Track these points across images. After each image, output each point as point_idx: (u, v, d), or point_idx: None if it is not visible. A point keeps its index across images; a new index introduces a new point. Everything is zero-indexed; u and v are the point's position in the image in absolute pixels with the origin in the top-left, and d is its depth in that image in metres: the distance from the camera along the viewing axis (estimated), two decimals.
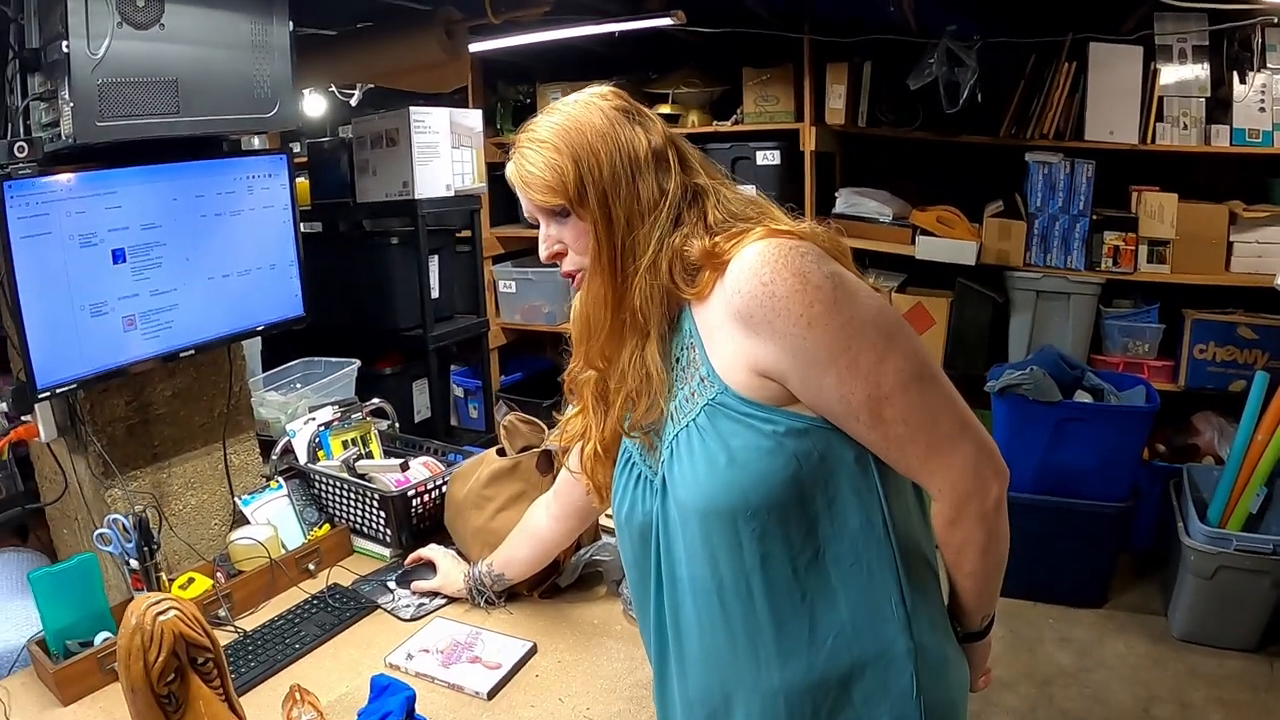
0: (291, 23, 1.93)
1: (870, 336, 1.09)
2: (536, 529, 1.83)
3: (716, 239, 1.16)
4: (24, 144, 1.68)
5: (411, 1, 2.61)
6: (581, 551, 2.00)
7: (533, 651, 1.77)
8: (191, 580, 1.92)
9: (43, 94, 1.73)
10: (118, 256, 1.83)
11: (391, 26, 2.68)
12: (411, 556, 2.07)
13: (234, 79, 1.87)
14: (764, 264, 1.09)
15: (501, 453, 2.12)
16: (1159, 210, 3.79)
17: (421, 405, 3.60)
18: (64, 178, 1.74)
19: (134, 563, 1.83)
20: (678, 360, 1.22)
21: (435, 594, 1.99)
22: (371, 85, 3.43)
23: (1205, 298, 3.87)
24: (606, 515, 2.29)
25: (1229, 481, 3.40)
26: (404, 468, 2.21)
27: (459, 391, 4.46)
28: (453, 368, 4.36)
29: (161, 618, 1.33)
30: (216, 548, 2.15)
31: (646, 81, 4.37)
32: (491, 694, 1.66)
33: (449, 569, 1.99)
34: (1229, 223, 3.75)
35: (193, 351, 2.00)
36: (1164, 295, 3.96)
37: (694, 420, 1.17)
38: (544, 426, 2.17)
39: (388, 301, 3.33)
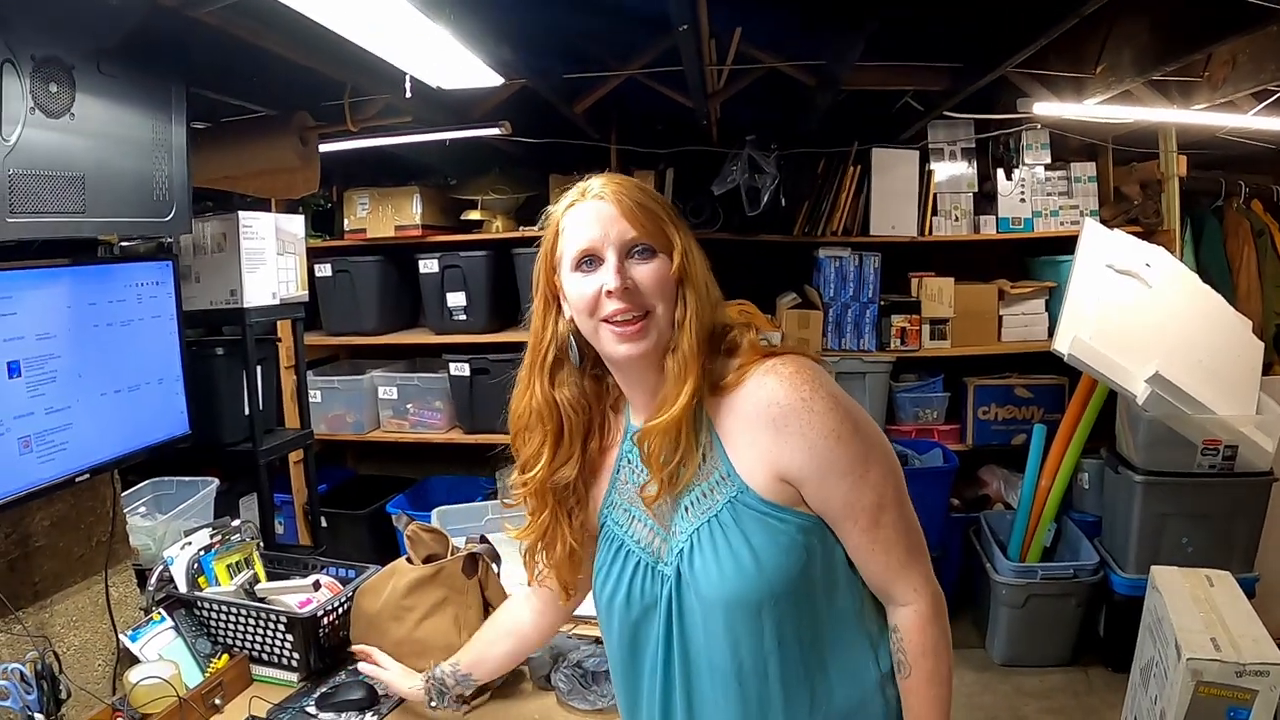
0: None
1: (878, 455, 1.25)
2: (518, 626, 1.75)
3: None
4: None
5: (264, 106, 2.53)
6: None
7: None
8: None
9: None
10: (13, 370, 1.64)
11: (246, 128, 2.57)
12: (358, 649, 1.94)
13: (135, 179, 1.76)
14: (803, 381, 1.21)
15: (411, 561, 2.05)
16: (938, 293, 4.25)
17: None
18: None
19: (39, 717, 1.61)
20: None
21: (364, 712, 1.88)
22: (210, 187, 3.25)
23: (983, 366, 4.34)
24: None
25: (1023, 522, 3.82)
26: (316, 586, 2.08)
27: None
28: None
29: None
30: (104, 691, 1.92)
31: (448, 187, 4.38)
32: None
33: (401, 669, 1.87)
34: (998, 299, 4.26)
35: (87, 475, 1.81)
36: (947, 367, 4.41)
37: (715, 516, 1.25)
38: (446, 534, 2.12)
39: (213, 415, 3.11)
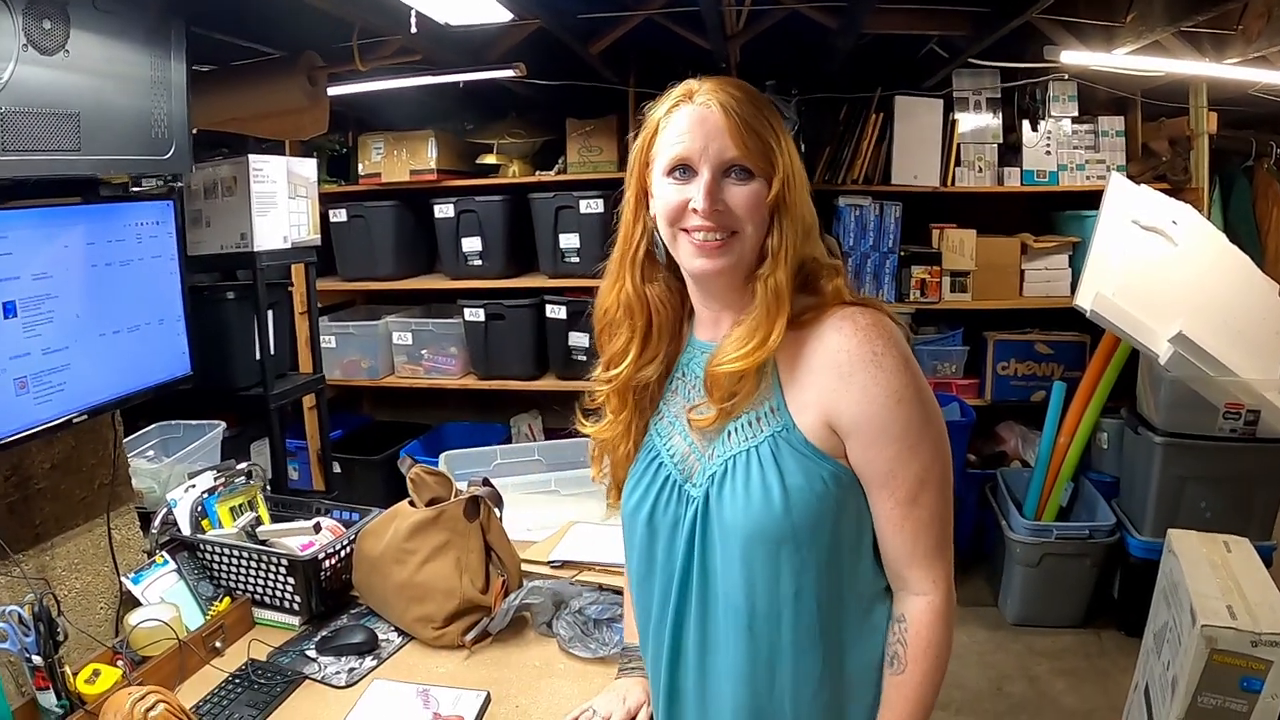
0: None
1: (933, 434, 1.20)
2: None
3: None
4: None
5: (272, 47, 2.49)
6: (511, 597, 1.97)
7: (488, 701, 1.72)
8: (97, 673, 1.70)
9: None
10: (9, 310, 1.62)
11: (253, 70, 2.53)
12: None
13: (133, 117, 1.72)
14: (878, 335, 1.16)
15: (413, 504, 2.05)
16: (960, 245, 4.17)
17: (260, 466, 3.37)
18: None
19: (36, 659, 1.61)
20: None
21: (364, 656, 1.88)
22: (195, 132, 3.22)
23: (1003, 320, 4.27)
24: (530, 560, 2.26)
25: (1039, 480, 3.77)
26: (316, 529, 2.08)
27: None
28: None
29: (152, 713, 1.20)
30: (106, 633, 1.93)
31: (466, 131, 4.34)
32: None
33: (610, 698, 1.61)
34: (1021, 253, 4.18)
35: (85, 417, 1.80)
36: (967, 320, 4.34)
37: (756, 447, 1.20)
38: (450, 477, 2.11)
39: (224, 360, 3.10)
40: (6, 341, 1.63)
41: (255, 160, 2.96)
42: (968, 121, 4.15)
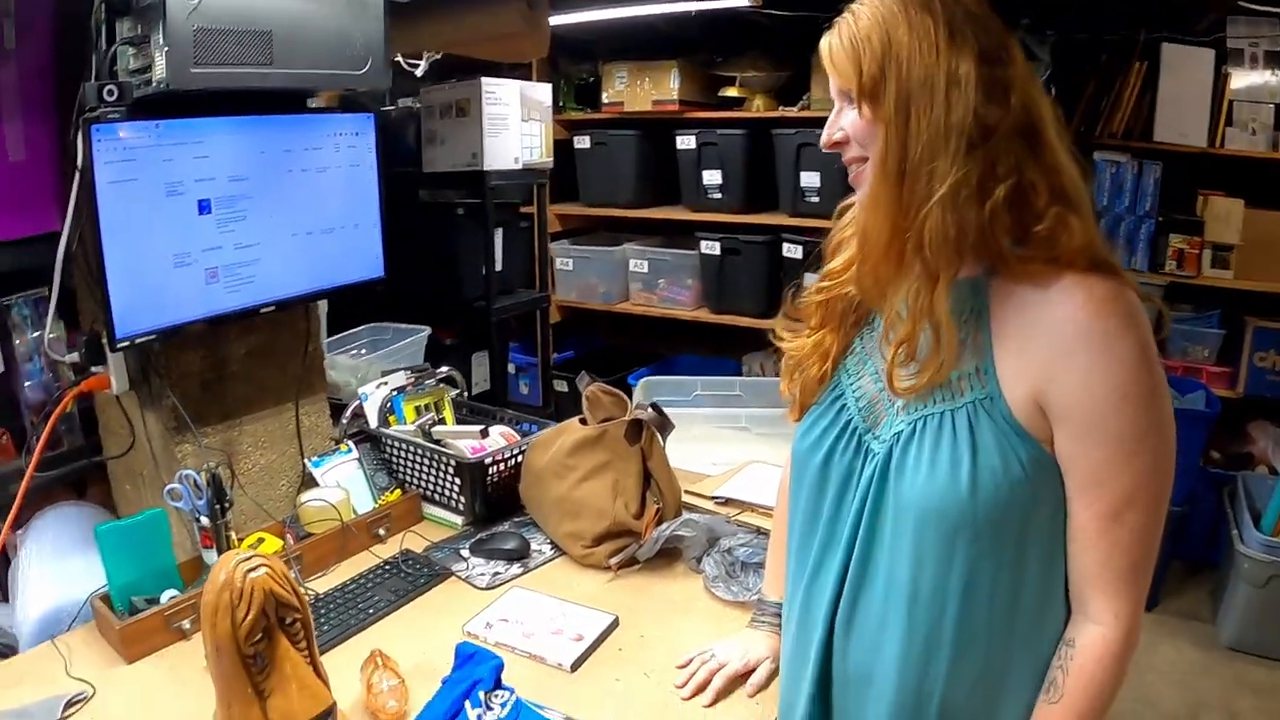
0: None
1: (1157, 441, 1.03)
2: None
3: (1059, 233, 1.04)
4: (113, 88, 1.63)
5: None
6: (663, 526, 1.94)
7: (614, 625, 1.72)
8: (261, 540, 1.88)
9: (132, 39, 1.68)
10: (203, 207, 1.79)
11: None
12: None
13: (327, 34, 1.81)
14: (1114, 313, 1.00)
15: (584, 423, 2.07)
16: (1225, 215, 3.69)
17: (480, 378, 3.56)
18: (152, 124, 1.69)
19: (204, 520, 1.79)
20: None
21: (512, 562, 1.95)
22: (439, 56, 3.38)
23: (1269, 305, 3.75)
24: (697, 494, 2.25)
25: None
26: (483, 434, 2.17)
27: (510, 368, 4.41)
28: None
29: (252, 575, 1.28)
30: (284, 509, 2.11)
31: (711, 64, 4.29)
32: (574, 666, 1.61)
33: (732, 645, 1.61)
34: None
35: (273, 308, 1.96)
36: (1226, 301, 3.85)
37: (953, 411, 1.08)
38: (626, 399, 2.11)
39: (451, 272, 3.29)
40: (200, 235, 1.80)
41: (488, 83, 3.07)
42: (1241, 77, 3.61)
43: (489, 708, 1.42)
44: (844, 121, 1.10)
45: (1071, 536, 1.07)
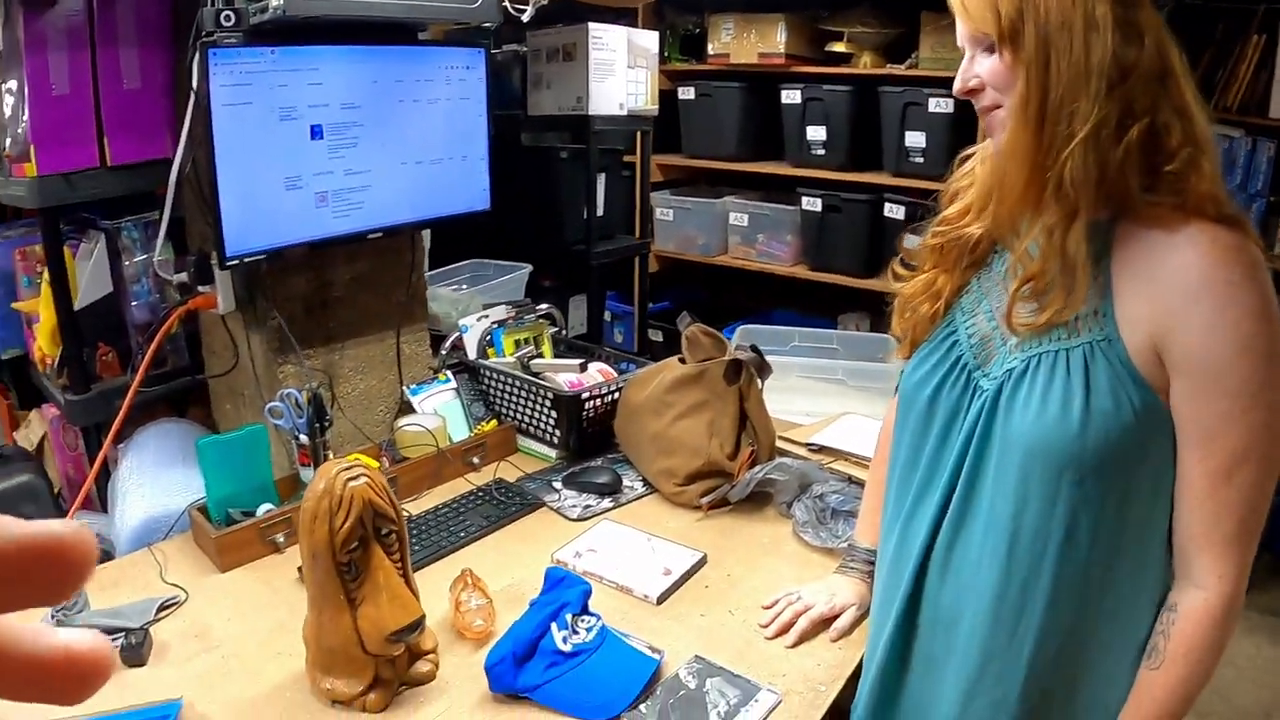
0: None
1: (1274, 400, 1.00)
2: None
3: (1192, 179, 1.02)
4: (230, 13, 1.67)
5: None
6: (756, 469, 1.94)
7: (702, 562, 1.73)
8: (357, 461, 1.92)
9: None
10: (315, 133, 1.82)
11: None
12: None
13: None
14: (1238, 264, 0.98)
15: (683, 362, 2.07)
16: None
17: (576, 321, 3.57)
18: (268, 50, 1.73)
19: (303, 438, 1.84)
20: None
21: (604, 496, 1.96)
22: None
23: None
24: (790, 439, 2.24)
25: None
26: (582, 369, 2.18)
27: (606, 315, 4.42)
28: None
29: (352, 483, 1.31)
30: (381, 433, 2.16)
31: (819, 18, 4.20)
32: (661, 599, 1.62)
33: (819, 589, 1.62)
34: None
35: (380, 234, 1.99)
36: None
37: (1068, 350, 1.06)
38: (725, 339, 2.09)
39: (553, 215, 3.30)
40: (311, 160, 1.83)
41: (595, 28, 3.06)
42: None
43: (575, 630, 1.44)
44: (978, 68, 1.08)
45: (1179, 494, 1.05)
